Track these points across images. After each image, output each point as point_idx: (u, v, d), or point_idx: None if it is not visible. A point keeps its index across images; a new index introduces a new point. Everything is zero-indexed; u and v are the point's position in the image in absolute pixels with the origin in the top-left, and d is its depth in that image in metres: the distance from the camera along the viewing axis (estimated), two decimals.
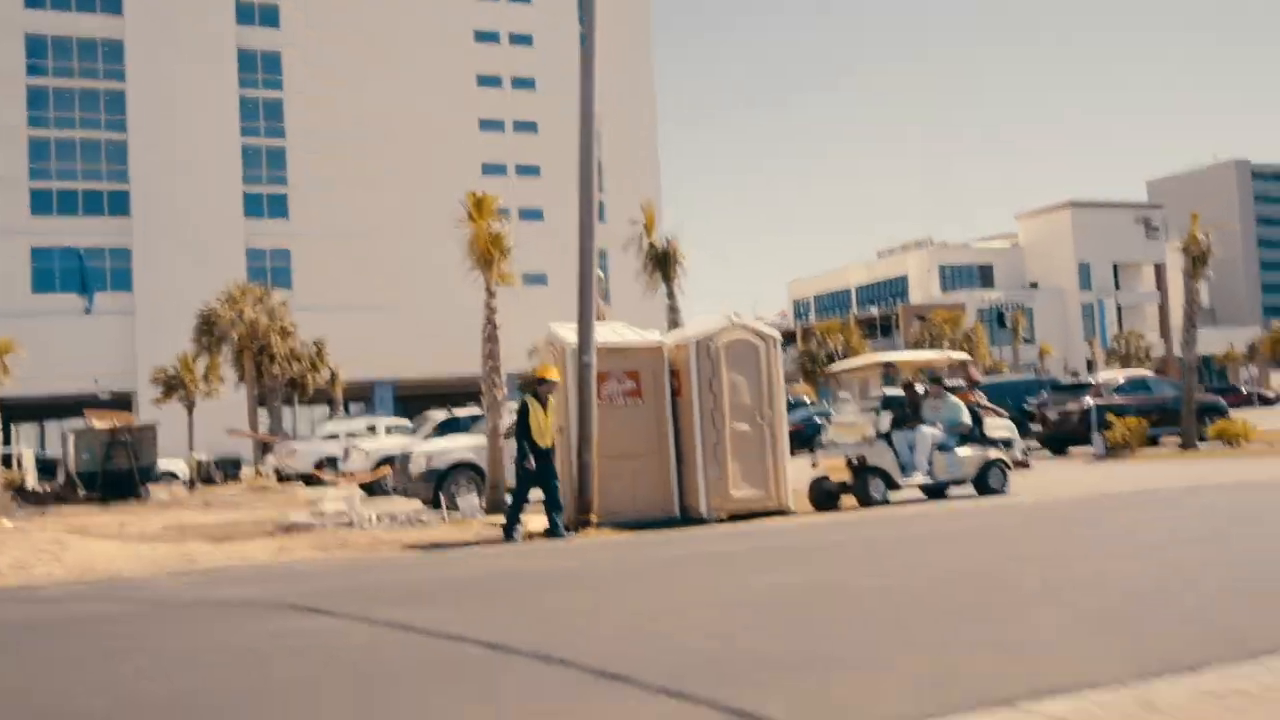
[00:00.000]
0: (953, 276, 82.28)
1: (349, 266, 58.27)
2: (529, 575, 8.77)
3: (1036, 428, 24.47)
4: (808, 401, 40.99)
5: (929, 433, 13.79)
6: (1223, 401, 25.97)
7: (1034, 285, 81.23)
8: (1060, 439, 24.15)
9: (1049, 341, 72.44)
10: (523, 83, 64.09)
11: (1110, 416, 22.27)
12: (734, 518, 12.42)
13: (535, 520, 11.91)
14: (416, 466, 16.26)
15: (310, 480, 27.24)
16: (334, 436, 30.01)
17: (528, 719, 4.11)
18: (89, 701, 4.73)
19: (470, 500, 14.77)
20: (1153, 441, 22.53)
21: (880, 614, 6.01)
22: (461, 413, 22.70)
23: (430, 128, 60.63)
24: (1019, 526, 10.40)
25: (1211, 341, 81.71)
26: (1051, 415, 24.18)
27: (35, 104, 55.66)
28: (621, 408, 12.63)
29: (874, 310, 77.96)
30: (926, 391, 14.55)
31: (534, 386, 12.05)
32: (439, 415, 23.47)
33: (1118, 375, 26.47)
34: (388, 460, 19.41)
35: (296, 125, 59.14)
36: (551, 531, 11.58)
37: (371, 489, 21.06)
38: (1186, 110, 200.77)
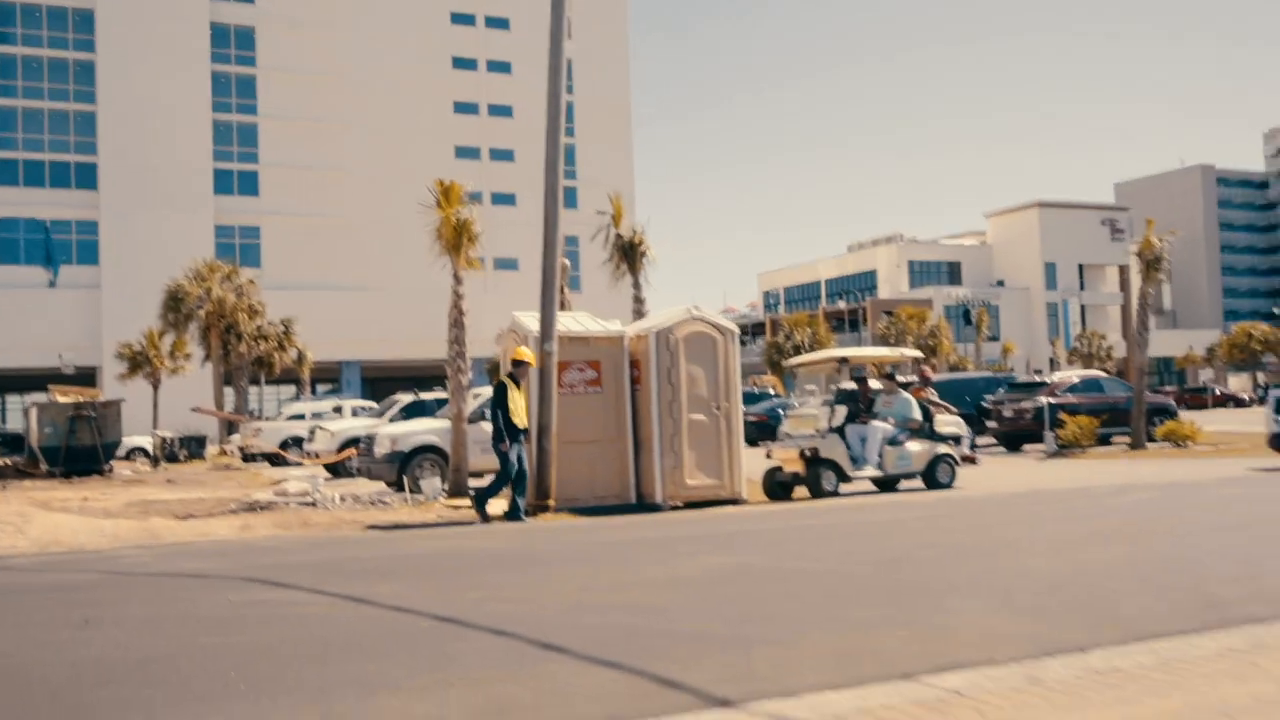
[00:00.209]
0: (921, 272, 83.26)
1: (319, 246, 58.02)
2: (484, 555, 9.10)
3: (993, 425, 25.06)
4: (772, 393, 41.58)
5: (880, 427, 14.24)
6: (1172, 403, 26.68)
7: (1000, 283, 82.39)
8: (1015, 436, 24.73)
9: (1014, 339, 73.60)
10: (498, 66, 63.94)
11: (1063, 415, 22.89)
12: (689, 505, 12.82)
13: (495, 503, 12.22)
14: (381, 448, 16.50)
15: (275, 460, 27.36)
16: (300, 417, 30.12)
17: (472, 684, 4.44)
18: (57, 665, 5.00)
19: (433, 483, 15.06)
20: (1104, 441, 23.17)
21: (806, 595, 6.42)
22: (428, 396, 22.91)
23: (404, 109, 60.39)
24: (954, 518, 10.86)
25: (1172, 344, 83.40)
26: (1007, 413, 24.74)
27: (2, 73, 54.84)
28: (582, 396, 12.96)
29: (842, 304, 78.76)
30: (880, 387, 15.00)
31: (510, 370, 12.38)
32: (406, 398, 23.69)
33: (1071, 375, 27.10)
34: (353, 442, 19.63)
35: (269, 102, 58.67)
36: (511, 514, 11.91)
37: (336, 470, 21.27)
38: (1157, 115, 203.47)
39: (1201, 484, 13.80)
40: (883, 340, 57.06)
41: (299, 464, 24.78)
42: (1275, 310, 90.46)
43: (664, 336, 13.03)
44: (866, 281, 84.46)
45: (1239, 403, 62.30)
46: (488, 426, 15.20)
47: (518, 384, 12.22)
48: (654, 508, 12.64)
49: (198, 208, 56.29)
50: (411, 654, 5.02)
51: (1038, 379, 27.68)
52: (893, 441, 14.23)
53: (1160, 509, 11.07)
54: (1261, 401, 39.35)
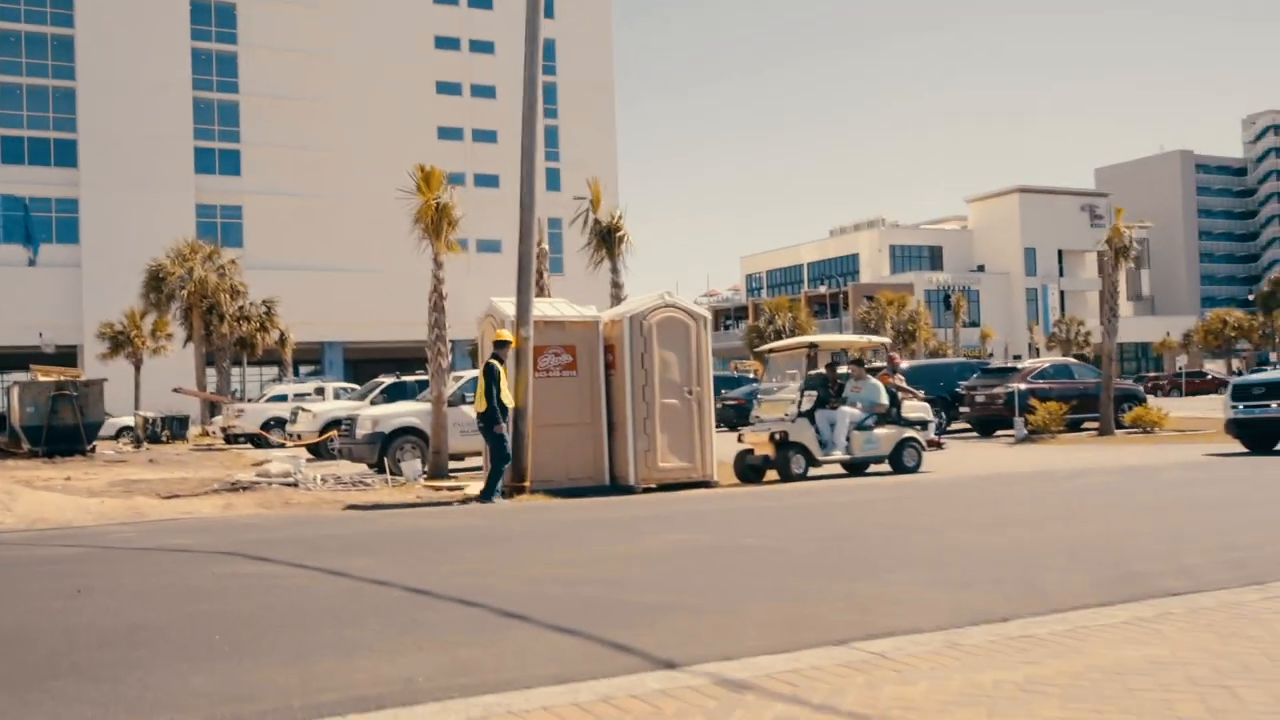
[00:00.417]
0: (903, 257, 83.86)
1: (301, 227, 57.99)
2: (457, 532, 9.48)
3: (966, 410, 25.55)
4: (753, 377, 42.02)
5: (849, 412, 14.68)
6: (1141, 390, 27.28)
7: (981, 268, 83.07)
8: (987, 422, 25.21)
9: (994, 325, 74.36)
10: (481, 46, 63.87)
11: (1033, 401, 23.39)
12: (662, 487, 13.22)
13: (472, 484, 12.60)
14: (362, 430, 16.82)
15: (258, 441, 27.62)
16: (282, 398, 30.37)
17: (440, 648, 4.82)
18: (51, 631, 5.36)
19: (413, 465, 15.41)
20: (1075, 427, 23.69)
21: (756, 569, 6.83)
22: (410, 378, 23.19)
23: (386, 89, 60.28)
24: (913, 500, 11.32)
25: (1150, 329, 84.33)
26: (979, 398, 25.22)
27: None
28: (557, 379, 13.32)
29: (824, 289, 79.31)
30: (849, 373, 15.42)
31: (494, 352, 12.67)
32: (388, 380, 23.98)
33: (1043, 361, 27.62)
34: (334, 424, 19.93)
35: (250, 80, 58.46)
36: (486, 494, 12.27)
37: (318, 451, 21.57)
38: (1139, 101, 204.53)
39: (1157, 468, 14.29)
40: (863, 324, 57.60)
41: (281, 445, 25.05)
42: (1249, 297, 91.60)
43: (637, 322, 13.39)
44: (848, 265, 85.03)
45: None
46: (468, 409, 15.53)
47: (503, 365, 12.54)
48: (627, 490, 13.04)
49: (179, 187, 56.15)
50: (384, 621, 5.40)
51: (1016, 365, 28.16)
52: (861, 426, 14.66)
53: (1110, 492, 11.55)
54: None
